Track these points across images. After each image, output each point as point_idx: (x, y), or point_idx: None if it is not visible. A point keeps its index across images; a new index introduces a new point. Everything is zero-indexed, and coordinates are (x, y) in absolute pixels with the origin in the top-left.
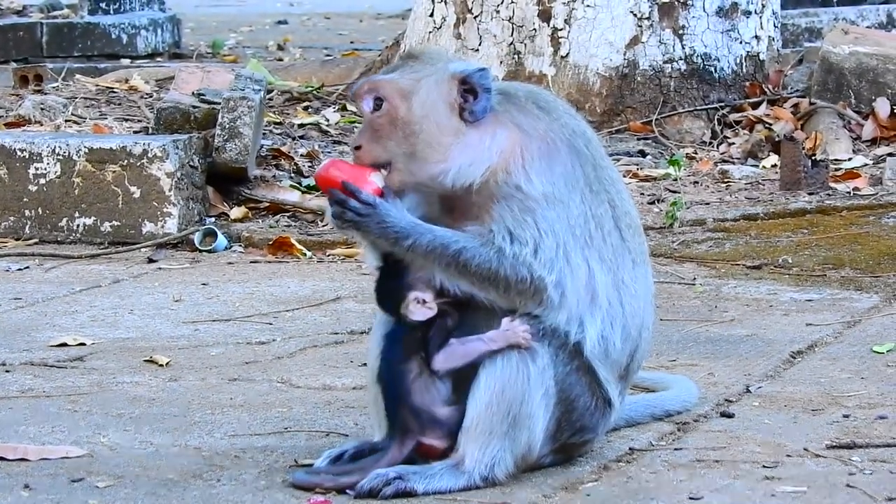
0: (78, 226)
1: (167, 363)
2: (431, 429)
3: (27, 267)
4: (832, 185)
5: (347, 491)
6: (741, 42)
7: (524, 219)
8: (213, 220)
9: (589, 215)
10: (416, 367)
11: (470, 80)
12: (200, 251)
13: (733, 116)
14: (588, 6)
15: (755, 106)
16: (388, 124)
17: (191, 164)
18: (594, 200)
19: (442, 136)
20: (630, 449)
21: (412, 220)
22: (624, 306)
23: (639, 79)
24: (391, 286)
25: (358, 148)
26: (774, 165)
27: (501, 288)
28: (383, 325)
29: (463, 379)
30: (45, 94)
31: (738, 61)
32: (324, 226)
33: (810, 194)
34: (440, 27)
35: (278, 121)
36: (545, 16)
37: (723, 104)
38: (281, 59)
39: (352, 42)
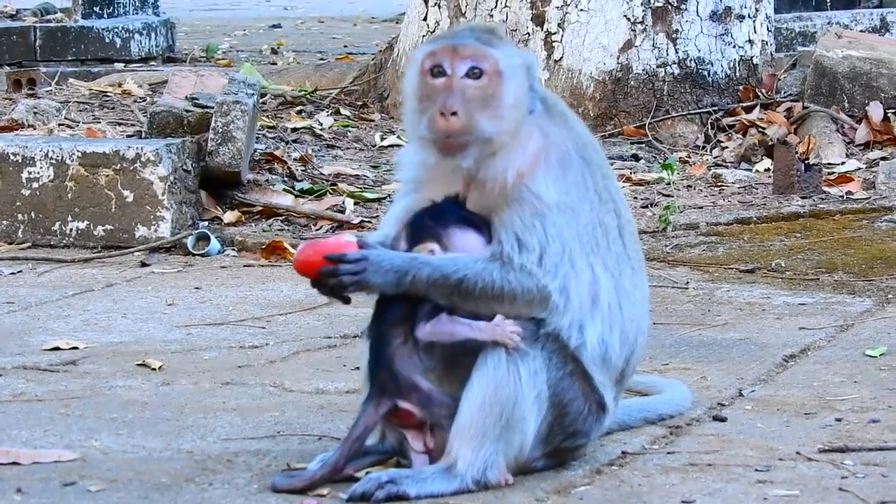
0: (71, 230)
1: (160, 367)
2: (408, 394)
3: (20, 271)
4: (825, 189)
5: (340, 495)
6: (735, 46)
7: (533, 224)
8: (206, 224)
9: (596, 223)
10: (403, 334)
11: (532, 72)
12: (193, 255)
13: (727, 120)
14: (581, 10)
15: (748, 110)
16: (479, 98)
17: (184, 168)
18: (602, 209)
19: (517, 128)
20: (623, 452)
21: (405, 256)
22: (623, 311)
23: (632, 83)
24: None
25: (454, 113)
26: (768, 169)
27: (508, 303)
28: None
29: (448, 367)
30: (39, 98)
31: (731, 65)
32: (317, 230)
33: (803, 198)
34: (433, 31)
35: (272, 125)
36: (539, 20)
37: (716, 108)
38: (275, 63)
39: (345, 46)
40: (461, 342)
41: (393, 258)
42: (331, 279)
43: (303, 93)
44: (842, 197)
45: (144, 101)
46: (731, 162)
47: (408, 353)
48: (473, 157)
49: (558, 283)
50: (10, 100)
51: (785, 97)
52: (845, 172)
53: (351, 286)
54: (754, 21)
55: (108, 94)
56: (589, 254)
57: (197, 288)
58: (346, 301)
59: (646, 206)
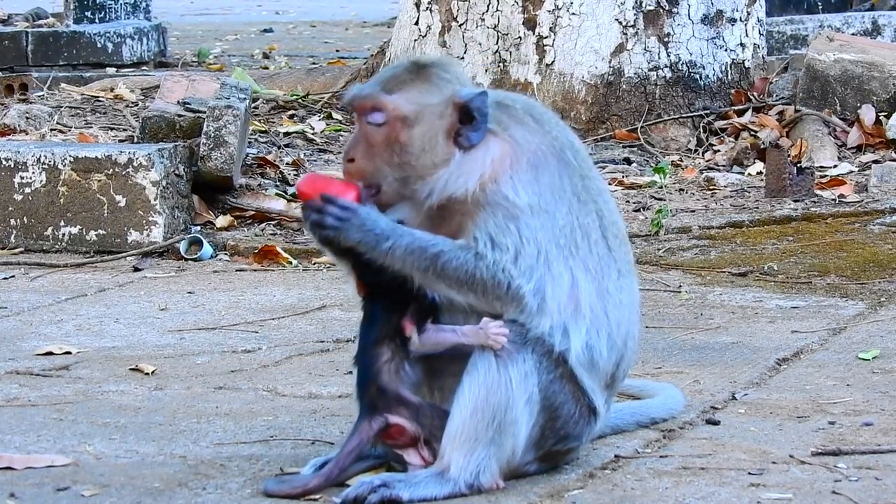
0: (63, 235)
1: (153, 372)
2: (398, 408)
3: (12, 276)
4: (817, 192)
5: (333, 498)
6: (726, 49)
7: (507, 226)
8: (198, 228)
9: (575, 225)
10: (390, 351)
11: (470, 107)
12: (186, 260)
13: (718, 124)
14: (573, 14)
15: (740, 113)
16: (383, 143)
17: (176, 172)
18: (581, 211)
19: (434, 164)
20: (616, 456)
21: (391, 223)
22: (609, 316)
23: (624, 86)
24: None
25: (351, 161)
26: (760, 173)
27: (479, 292)
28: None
29: (437, 377)
30: (31, 102)
31: (723, 69)
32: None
33: (796, 201)
34: (425, 35)
35: (264, 129)
36: (530, 24)
37: (708, 112)
38: (266, 68)
39: (337, 50)
40: (449, 350)
41: (379, 220)
42: (315, 214)
43: (295, 97)
44: (834, 200)
45: (136, 105)
46: (724, 165)
47: (394, 369)
48: (397, 198)
49: (533, 286)
50: (2, 105)
51: (777, 100)
52: (837, 175)
53: (329, 230)
54: (746, 24)
55: (100, 98)
56: (568, 257)
57: (189, 293)
58: (327, 243)
59: (638, 210)
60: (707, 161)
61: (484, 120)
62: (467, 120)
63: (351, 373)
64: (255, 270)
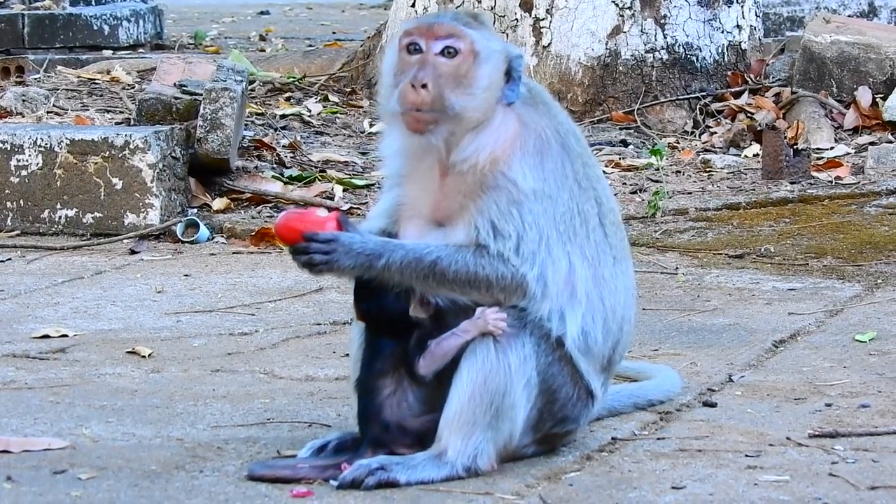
0: (60, 217)
1: (149, 354)
2: (401, 440)
3: (9, 259)
4: (814, 174)
5: (331, 481)
6: (723, 31)
7: (510, 211)
8: (195, 211)
9: (575, 211)
10: (393, 383)
11: (513, 64)
12: (183, 242)
13: (715, 106)
14: None
15: (737, 95)
16: (451, 76)
17: (173, 155)
18: (582, 197)
19: (486, 111)
20: (613, 438)
21: (379, 240)
22: (604, 301)
23: (621, 68)
24: (388, 300)
25: (424, 86)
26: (756, 155)
27: (483, 289)
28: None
29: (442, 377)
30: (27, 85)
31: (719, 51)
32: None
33: (792, 183)
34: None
35: (260, 111)
36: (527, 6)
37: (705, 94)
38: (263, 50)
39: (334, 32)
40: (456, 353)
41: (366, 241)
42: (302, 256)
43: (291, 79)
44: (831, 182)
45: (133, 88)
46: (720, 147)
47: (396, 403)
48: (442, 135)
49: (536, 272)
50: None
51: (773, 82)
52: (834, 157)
53: (320, 266)
54: (742, 6)
55: (97, 81)
56: (566, 242)
57: (186, 275)
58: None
59: (635, 192)
60: (704, 143)
61: (519, 80)
62: (507, 77)
63: (347, 355)
64: (251, 253)
